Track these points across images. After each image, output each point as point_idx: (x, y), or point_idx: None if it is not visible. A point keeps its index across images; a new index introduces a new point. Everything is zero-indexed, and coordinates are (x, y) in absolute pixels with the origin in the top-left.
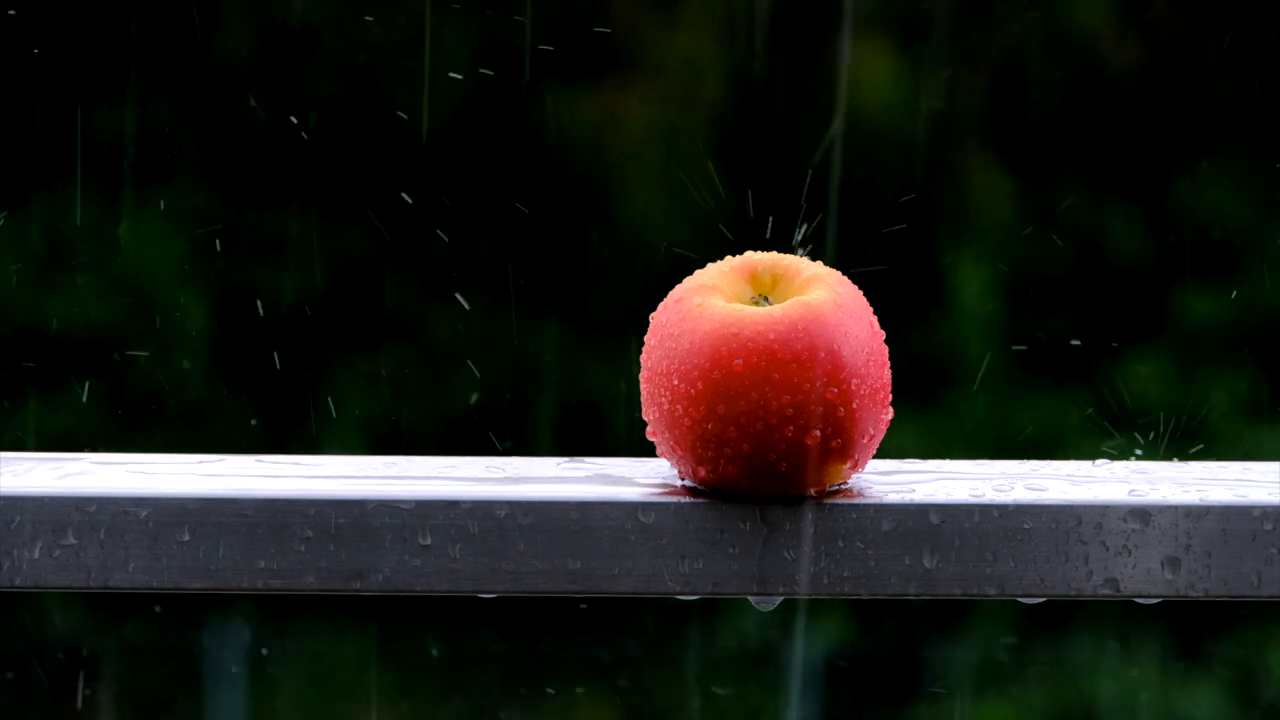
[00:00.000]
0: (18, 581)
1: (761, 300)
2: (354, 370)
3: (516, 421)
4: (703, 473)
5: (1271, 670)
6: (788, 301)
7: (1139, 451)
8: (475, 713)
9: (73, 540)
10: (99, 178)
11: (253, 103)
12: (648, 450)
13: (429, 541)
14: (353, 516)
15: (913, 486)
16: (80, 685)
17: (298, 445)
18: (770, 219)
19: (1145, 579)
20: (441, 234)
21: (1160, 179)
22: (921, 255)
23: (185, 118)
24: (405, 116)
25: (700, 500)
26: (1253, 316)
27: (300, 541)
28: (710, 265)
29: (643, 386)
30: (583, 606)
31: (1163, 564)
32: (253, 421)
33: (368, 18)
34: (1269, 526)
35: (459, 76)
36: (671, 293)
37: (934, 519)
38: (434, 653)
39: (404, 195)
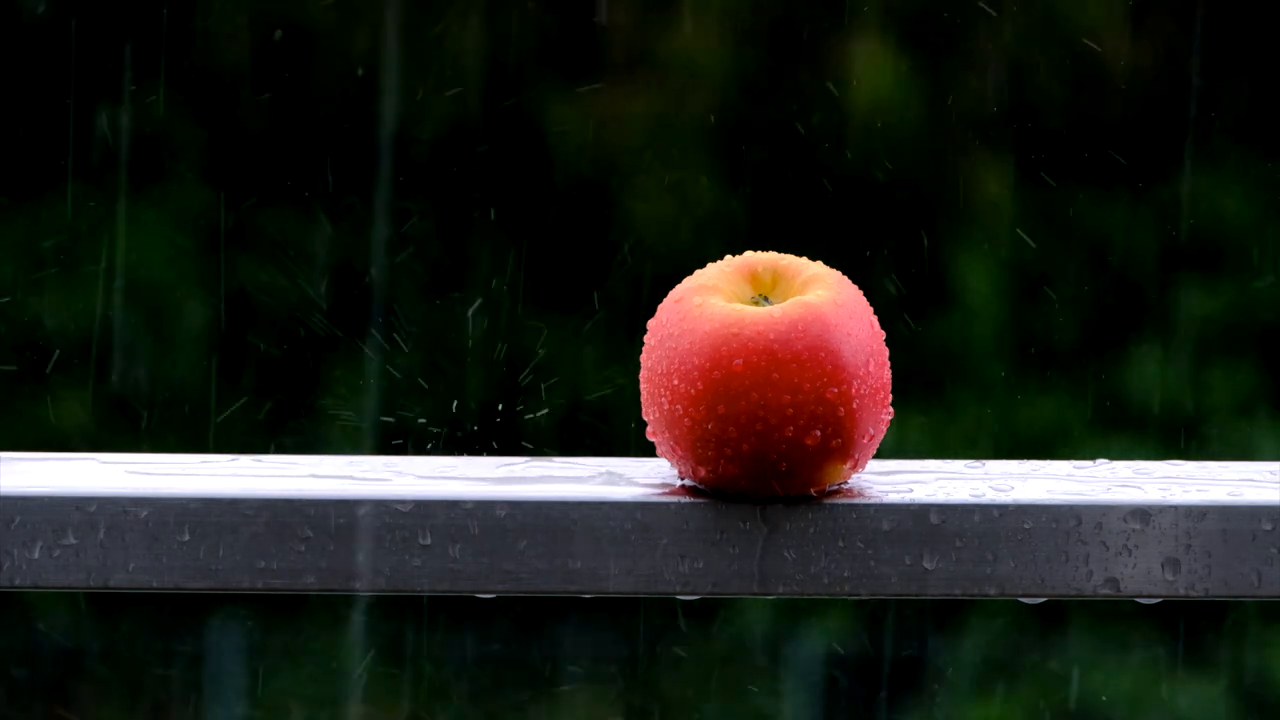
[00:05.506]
0: (18, 581)
1: (761, 300)
2: (354, 370)
3: (517, 421)
4: (703, 473)
5: (1271, 670)
6: (788, 301)
7: (1139, 451)
8: (475, 713)
9: (73, 540)
10: (99, 177)
11: (253, 103)
12: (648, 450)
13: (429, 541)
14: (353, 516)
15: (912, 486)
16: (79, 685)
17: (298, 445)
18: (770, 219)
19: (1145, 579)
20: (442, 233)
21: (1161, 177)
22: (922, 254)
23: (185, 118)
24: (405, 115)
25: (700, 500)
26: (1253, 315)
27: (300, 541)
28: (710, 265)
29: (643, 387)
30: (584, 599)
31: (1163, 564)
32: (253, 422)
33: (368, 17)
34: (1269, 526)
35: (460, 75)
36: (671, 293)
37: (934, 519)
38: (435, 653)
39: (404, 194)
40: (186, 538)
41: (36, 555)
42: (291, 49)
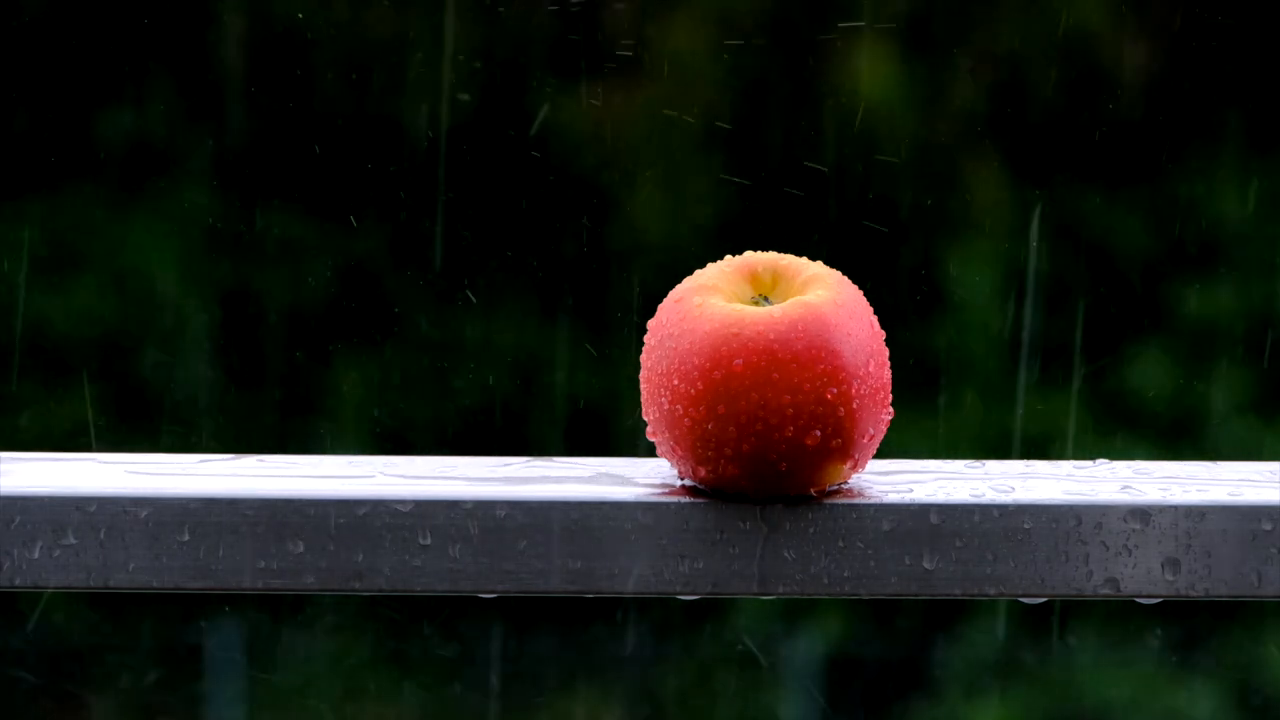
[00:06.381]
0: (18, 581)
1: (761, 300)
2: (355, 370)
3: (517, 421)
4: (703, 473)
5: (1271, 670)
6: (788, 301)
7: (1139, 451)
8: (475, 713)
9: (73, 540)
10: (99, 178)
11: (253, 103)
12: (648, 450)
13: (429, 541)
14: (353, 516)
15: (912, 486)
16: (80, 685)
17: (298, 445)
18: (770, 219)
19: (1145, 579)
20: (442, 234)
21: (1161, 177)
22: (922, 255)
23: (186, 117)
24: (406, 116)
25: (700, 500)
26: (1253, 315)
27: (300, 541)
28: (710, 265)
29: (643, 386)
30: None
31: (1163, 564)
32: (254, 421)
33: (368, 17)
34: (1269, 526)
35: (459, 76)
36: (671, 293)
37: (934, 519)
38: (434, 653)
39: (404, 195)
40: (186, 538)
41: (36, 555)
42: (293, 47)
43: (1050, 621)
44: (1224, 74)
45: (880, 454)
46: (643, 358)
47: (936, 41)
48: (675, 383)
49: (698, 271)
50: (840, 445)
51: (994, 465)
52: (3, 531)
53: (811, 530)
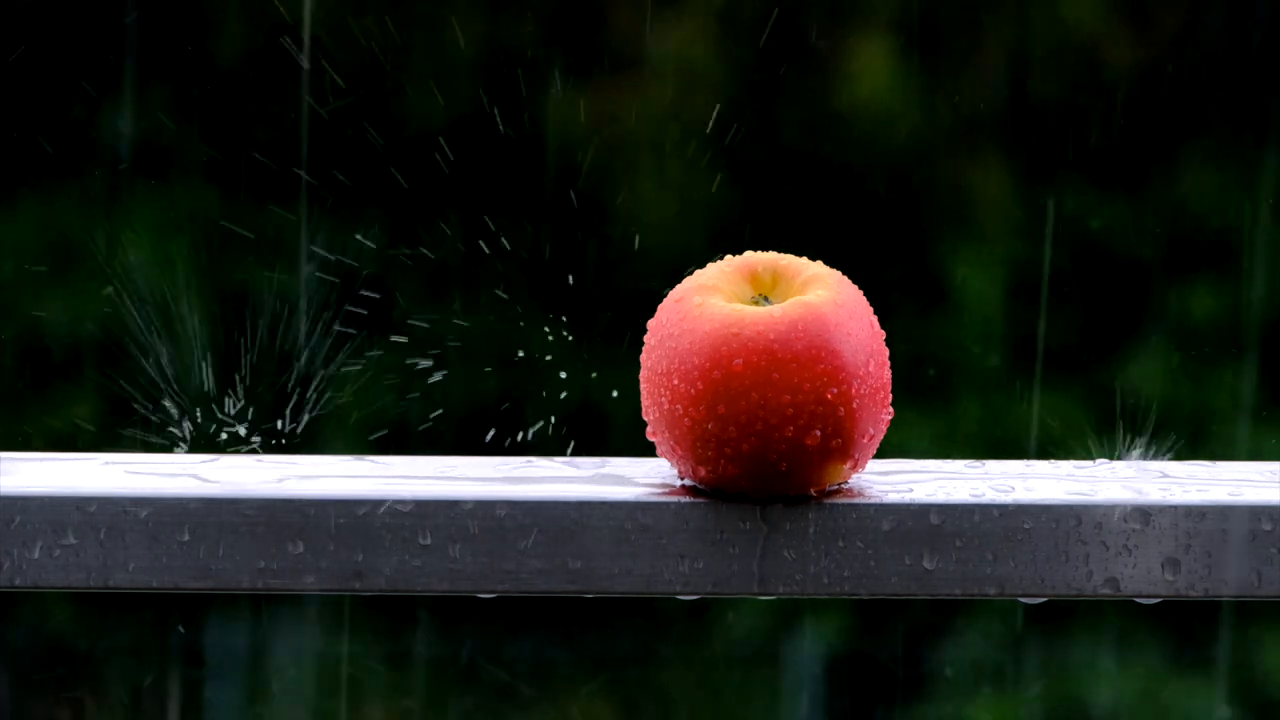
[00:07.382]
0: (18, 581)
1: (761, 300)
2: (355, 369)
3: (517, 421)
4: (703, 473)
5: (1271, 670)
6: (788, 301)
7: (1139, 451)
8: (475, 713)
9: (73, 540)
10: (99, 177)
11: (253, 102)
12: (648, 450)
13: (429, 541)
14: (353, 516)
15: (912, 486)
16: (79, 685)
17: (297, 445)
18: (770, 219)
19: (1145, 579)
20: (441, 233)
21: (1161, 176)
22: (921, 255)
23: (186, 117)
24: (405, 116)
25: (700, 500)
26: (1253, 315)
27: (300, 541)
28: (710, 265)
29: (643, 386)
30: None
31: (1163, 564)
32: (253, 422)
33: (368, 17)
34: (1269, 526)
35: (458, 76)
36: (671, 292)
37: (934, 519)
38: (433, 653)
39: (403, 193)
40: (186, 538)
41: (36, 555)
42: (293, 47)
43: (1050, 621)
44: (1225, 73)
45: (880, 454)
46: (643, 358)
47: (939, 40)
48: (675, 383)
49: (698, 271)
50: (840, 445)
51: (994, 465)
52: (3, 531)
53: (811, 530)
